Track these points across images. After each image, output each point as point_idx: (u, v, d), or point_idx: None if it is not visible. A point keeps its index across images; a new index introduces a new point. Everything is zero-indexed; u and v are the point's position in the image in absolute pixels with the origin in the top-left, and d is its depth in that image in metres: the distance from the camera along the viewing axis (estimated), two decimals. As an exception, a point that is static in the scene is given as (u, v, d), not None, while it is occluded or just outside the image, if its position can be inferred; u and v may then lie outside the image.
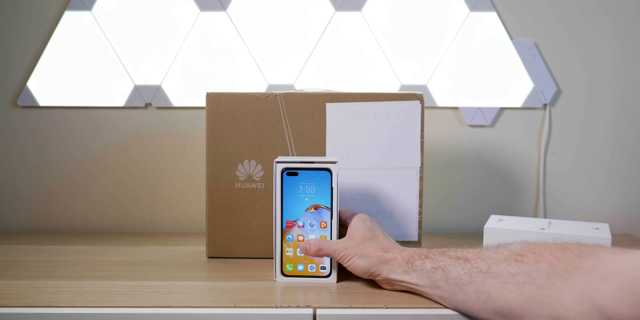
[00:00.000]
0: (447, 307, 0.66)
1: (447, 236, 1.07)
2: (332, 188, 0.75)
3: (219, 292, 0.72)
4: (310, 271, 0.76)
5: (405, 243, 0.87)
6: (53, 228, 1.12)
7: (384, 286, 0.72)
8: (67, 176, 1.12)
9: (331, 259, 0.76)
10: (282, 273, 0.76)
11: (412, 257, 0.69)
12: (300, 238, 0.76)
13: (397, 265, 0.69)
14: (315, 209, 0.75)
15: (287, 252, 0.76)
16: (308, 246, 0.74)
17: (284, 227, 0.76)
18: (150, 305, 0.66)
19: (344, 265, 0.73)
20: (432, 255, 0.68)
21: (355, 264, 0.71)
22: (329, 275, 0.76)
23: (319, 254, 0.74)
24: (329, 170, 0.74)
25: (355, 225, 0.75)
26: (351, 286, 0.74)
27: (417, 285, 0.68)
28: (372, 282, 0.74)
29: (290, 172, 0.75)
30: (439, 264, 0.66)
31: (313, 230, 0.75)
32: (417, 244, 0.88)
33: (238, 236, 0.88)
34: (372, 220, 0.77)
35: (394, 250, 0.71)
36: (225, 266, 0.84)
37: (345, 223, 0.78)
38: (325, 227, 0.75)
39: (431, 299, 0.68)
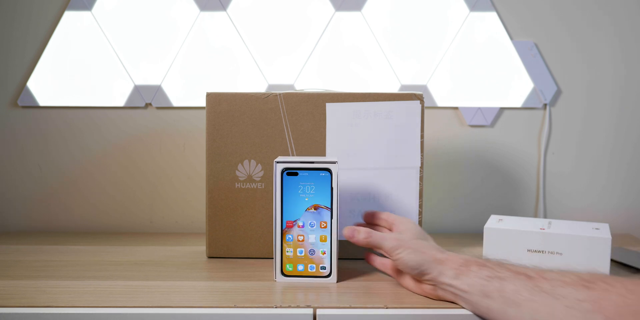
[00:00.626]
0: (448, 307, 0.66)
1: (447, 236, 1.07)
2: (332, 188, 0.75)
3: (219, 292, 0.72)
4: (310, 271, 0.76)
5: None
6: (53, 228, 1.12)
7: (426, 290, 0.68)
8: (67, 176, 1.12)
9: (331, 258, 0.75)
10: (282, 273, 0.76)
11: (469, 262, 0.65)
12: (300, 238, 0.76)
13: (450, 267, 0.65)
14: (315, 209, 0.75)
15: (287, 252, 0.76)
16: (355, 232, 0.71)
17: (284, 227, 0.76)
18: (150, 305, 0.66)
19: (393, 258, 0.69)
20: (491, 265, 0.63)
21: (407, 258, 0.67)
22: (329, 275, 0.76)
23: (368, 241, 0.70)
24: (329, 170, 0.74)
25: (404, 225, 0.73)
26: (351, 286, 0.74)
27: (465, 291, 0.63)
28: (372, 282, 0.74)
29: (290, 172, 0.75)
30: (496, 274, 0.61)
31: (313, 230, 0.75)
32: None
33: (238, 236, 0.88)
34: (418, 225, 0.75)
35: (449, 252, 0.68)
36: (225, 266, 0.84)
37: (389, 224, 0.76)
38: (325, 227, 0.75)
39: (476, 311, 0.63)
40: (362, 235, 0.71)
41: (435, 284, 0.67)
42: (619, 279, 0.56)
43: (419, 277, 0.68)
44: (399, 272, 0.74)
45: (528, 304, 0.58)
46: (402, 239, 0.70)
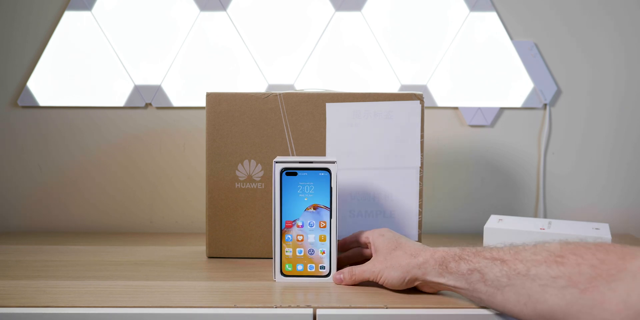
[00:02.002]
0: (448, 307, 0.66)
1: (447, 236, 1.07)
2: (331, 188, 0.75)
3: (219, 292, 0.72)
4: (309, 271, 0.76)
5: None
6: (53, 228, 1.12)
7: (426, 290, 0.71)
8: (67, 176, 1.12)
9: (330, 258, 0.76)
10: (282, 273, 0.76)
11: (446, 259, 0.67)
12: (300, 238, 0.76)
13: (430, 268, 0.67)
14: (314, 208, 0.75)
15: (287, 252, 0.76)
16: (342, 276, 0.74)
17: (283, 227, 0.76)
18: (150, 305, 0.66)
19: (380, 283, 0.71)
20: (467, 256, 0.65)
21: (389, 277, 0.70)
22: (328, 275, 0.76)
23: (354, 279, 0.74)
24: (328, 170, 0.74)
25: (376, 242, 0.74)
26: (351, 286, 0.74)
27: (455, 287, 0.66)
28: (372, 282, 0.74)
29: (290, 172, 0.75)
30: (474, 266, 0.64)
31: (312, 230, 0.75)
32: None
33: (238, 236, 0.87)
34: (391, 231, 0.76)
35: (424, 253, 0.69)
36: (225, 266, 0.84)
37: (366, 244, 0.78)
38: (325, 226, 0.75)
39: (469, 299, 0.67)
40: (346, 276, 0.74)
41: (427, 284, 0.69)
42: (589, 248, 0.58)
43: (412, 286, 0.70)
44: None
45: (508, 288, 0.61)
46: (376, 263, 0.72)
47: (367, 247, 0.78)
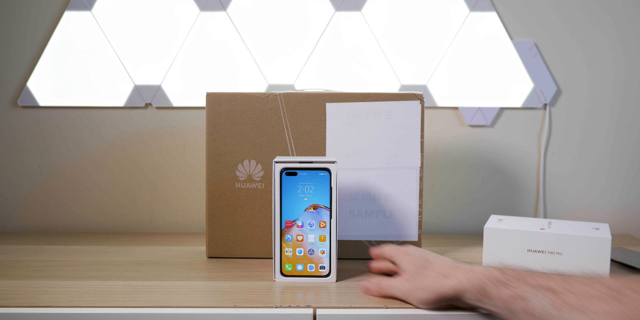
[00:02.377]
0: (449, 307, 0.66)
1: (447, 236, 1.07)
2: (331, 188, 0.75)
3: (219, 292, 0.72)
4: (309, 271, 0.76)
5: (405, 243, 0.87)
6: (53, 228, 1.12)
7: (460, 306, 0.65)
8: (67, 176, 1.12)
9: (330, 258, 0.75)
10: (282, 273, 0.76)
11: (485, 284, 0.61)
12: (300, 238, 0.76)
13: (467, 292, 0.62)
14: (314, 208, 0.75)
15: (287, 252, 0.76)
16: (370, 286, 0.71)
17: (282, 227, 0.76)
18: (150, 305, 0.66)
19: (411, 304, 0.67)
20: (508, 280, 0.60)
21: (420, 299, 0.65)
22: (328, 275, 0.76)
23: (380, 293, 0.70)
24: (328, 170, 0.74)
25: (402, 260, 0.71)
26: (351, 286, 0.74)
27: (493, 312, 0.61)
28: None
29: (289, 172, 0.75)
30: (518, 294, 0.59)
31: (312, 230, 0.75)
32: (417, 244, 0.87)
33: (238, 236, 0.87)
34: (417, 248, 0.73)
35: (457, 273, 0.64)
36: (225, 266, 0.84)
37: (392, 261, 0.75)
38: (325, 226, 0.75)
39: None
40: (374, 287, 0.70)
41: (465, 305, 0.65)
42: None
43: (443, 305, 0.66)
44: None
45: None
46: (405, 283, 0.68)
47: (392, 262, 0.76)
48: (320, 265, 0.76)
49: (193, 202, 1.11)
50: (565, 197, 1.12)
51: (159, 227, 1.12)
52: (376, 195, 0.87)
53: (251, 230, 0.87)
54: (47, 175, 1.12)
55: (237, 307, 0.66)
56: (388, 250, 0.76)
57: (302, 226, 0.76)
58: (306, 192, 0.75)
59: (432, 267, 0.67)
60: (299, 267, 0.76)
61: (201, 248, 0.94)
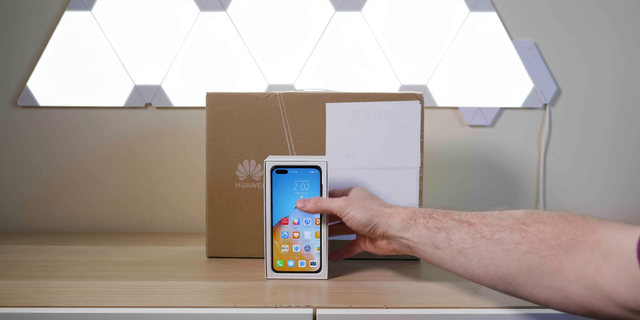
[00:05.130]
0: (448, 307, 0.66)
1: (447, 236, 1.07)
2: (321, 185, 0.75)
3: (218, 292, 0.72)
4: (300, 267, 0.76)
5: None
6: (53, 228, 1.12)
7: (382, 246, 0.73)
8: (67, 176, 1.12)
9: (321, 254, 0.76)
10: (273, 269, 0.76)
11: (416, 215, 0.69)
12: (296, 235, 0.76)
13: (398, 220, 0.69)
14: None
15: (283, 248, 0.76)
16: (305, 202, 0.74)
17: (274, 224, 0.76)
18: (150, 305, 0.66)
19: (343, 218, 0.72)
20: (436, 215, 0.67)
21: (357, 216, 0.71)
22: (319, 271, 0.76)
23: (318, 207, 0.74)
24: (318, 167, 0.75)
25: (354, 192, 0.77)
26: (351, 286, 0.74)
27: (416, 243, 0.67)
28: (372, 282, 0.74)
29: (280, 170, 0.76)
30: (442, 225, 0.66)
31: (308, 227, 0.76)
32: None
33: (238, 236, 0.88)
34: (366, 190, 0.78)
35: (396, 207, 0.72)
36: (225, 266, 0.84)
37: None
38: (318, 223, 0.76)
39: (429, 260, 0.67)
40: (311, 202, 0.74)
41: (387, 238, 0.71)
42: (552, 217, 0.60)
43: (371, 234, 0.72)
44: (356, 242, 0.79)
45: (472, 250, 0.63)
46: (348, 200, 0.73)
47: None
48: (311, 261, 0.76)
49: (193, 202, 1.11)
50: (565, 197, 1.12)
51: (159, 227, 1.12)
52: (376, 195, 0.87)
53: (251, 230, 0.87)
54: (47, 175, 1.12)
55: (237, 307, 0.66)
56: (338, 191, 0.79)
57: (298, 223, 0.76)
58: (302, 190, 0.76)
59: (378, 200, 0.75)
60: (290, 264, 0.77)
61: (201, 248, 0.94)
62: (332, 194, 0.80)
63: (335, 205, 0.73)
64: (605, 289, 0.54)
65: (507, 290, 0.62)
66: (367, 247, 0.76)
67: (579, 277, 0.55)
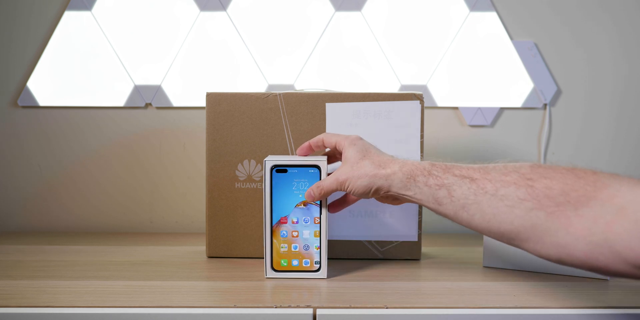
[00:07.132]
0: (448, 307, 0.66)
1: (447, 236, 1.07)
2: None
3: (218, 292, 0.72)
4: (299, 266, 0.76)
5: (405, 243, 0.87)
6: (53, 228, 1.12)
7: (392, 203, 0.74)
8: (67, 176, 1.12)
9: (320, 252, 0.76)
10: (272, 268, 0.76)
11: (414, 172, 0.68)
12: (295, 234, 0.76)
13: (397, 180, 0.68)
14: (304, 205, 0.76)
15: (282, 247, 0.76)
16: (311, 192, 0.74)
17: (274, 223, 0.76)
18: (150, 305, 0.66)
19: (346, 191, 0.72)
20: (436, 171, 0.66)
21: (355, 186, 0.70)
22: (318, 270, 0.76)
23: (323, 193, 0.73)
24: (317, 166, 0.75)
25: (346, 151, 0.73)
26: (351, 286, 0.74)
27: (419, 200, 0.67)
28: (372, 282, 0.74)
29: (280, 169, 0.76)
30: (442, 182, 0.65)
31: (307, 226, 0.76)
32: (417, 244, 0.87)
33: (238, 236, 0.88)
34: (362, 138, 0.75)
35: (392, 164, 0.70)
36: (225, 266, 0.84)
37: (334, 149, 0.77)
38: (318, 222, 0.76)
39: (435, 213, 0.67)
40: (315, 192, 0.73)
41: (393, 196, 0.71)
42: (561, 171, 0.58)
43: (377, 196, 0.72)
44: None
45: (475, 206, 0.62)
46: (341, 174, 0.71)
47: (335, 152, 0.78)
48: (311, 260, 0.76)
49: (193, 202, 1.11)
50: (565, 197, 1.12)
51: (159, 227, 1.12)
52: (376, 195, 0.87)
53: (251, 230, 0.87)
54: (47, 175, 1.12)
55: (237, 307, 0.66)
56: (335, 141, 0.76)
57: (297, 222, 0.76)
58: (301, 189, 0.76)
59: (371, 158, 0.71)
60: (288, 262, 0.77)
61: (201, 248, 0.94)
62: (320, 143, 0.77)
63: (335, 185, 0.72)
64: (615, 245, 0.52)
65: (510, 244, 0.61)
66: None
67: (587, 234, 0.54)
